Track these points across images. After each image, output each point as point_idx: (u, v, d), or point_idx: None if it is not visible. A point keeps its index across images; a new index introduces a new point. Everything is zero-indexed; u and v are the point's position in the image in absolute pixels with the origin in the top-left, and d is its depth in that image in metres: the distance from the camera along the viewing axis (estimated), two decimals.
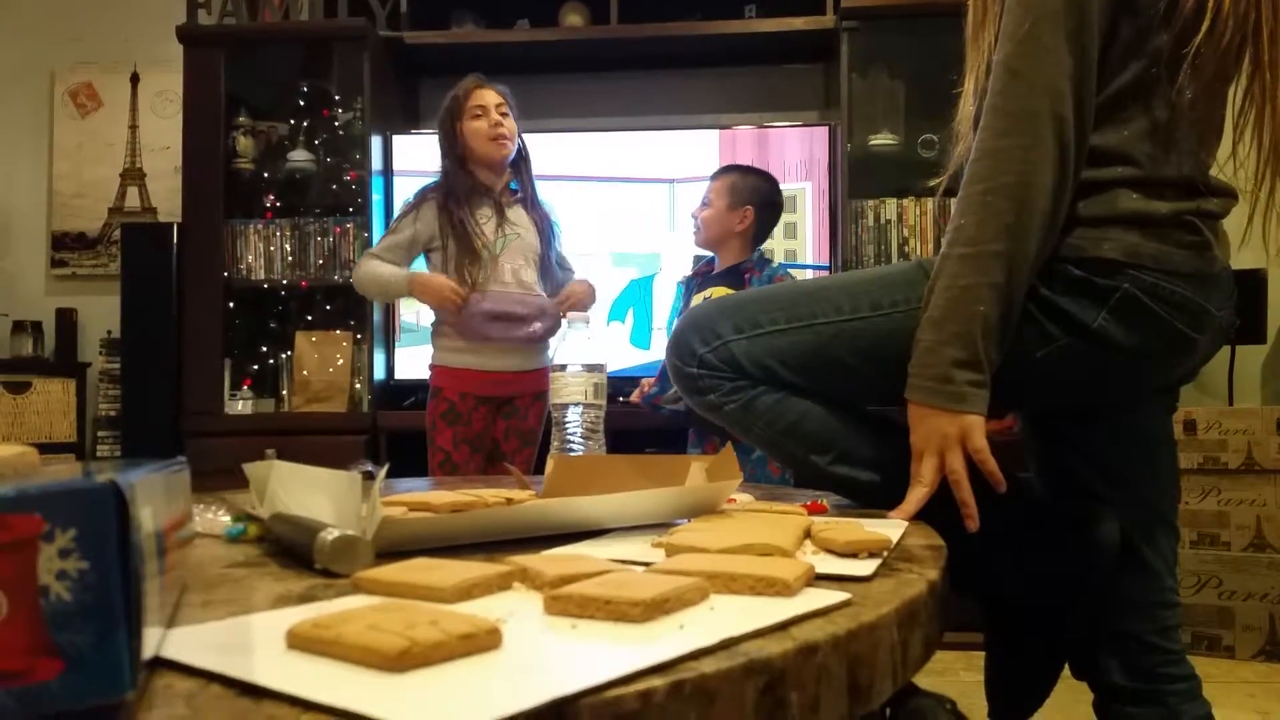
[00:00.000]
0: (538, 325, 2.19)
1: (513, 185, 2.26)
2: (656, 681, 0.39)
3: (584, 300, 2.21)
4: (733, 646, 0.44)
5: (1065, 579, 0.91)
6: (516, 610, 0.48)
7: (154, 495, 0.44)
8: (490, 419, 2.23)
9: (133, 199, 3.49)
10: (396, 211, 2.28)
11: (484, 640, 0.40)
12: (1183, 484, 2.43)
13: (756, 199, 2.29)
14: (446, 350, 2.21)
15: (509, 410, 2.24)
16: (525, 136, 2.29)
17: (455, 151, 2.19)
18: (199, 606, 0.53)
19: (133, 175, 3.50)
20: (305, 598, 0.54)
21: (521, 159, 2.26)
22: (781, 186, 2.41)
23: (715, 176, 2.35)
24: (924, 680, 0.65)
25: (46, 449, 3.02)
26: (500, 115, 2.18)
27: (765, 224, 2.35)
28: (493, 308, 2.14)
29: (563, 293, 2.22)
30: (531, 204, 2.26)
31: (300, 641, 0.41)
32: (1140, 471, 1.02)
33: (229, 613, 0.51)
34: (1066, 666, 1.02)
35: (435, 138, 2.26)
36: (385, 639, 0.38)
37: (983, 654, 1.00)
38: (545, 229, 2.26)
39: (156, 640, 0.42)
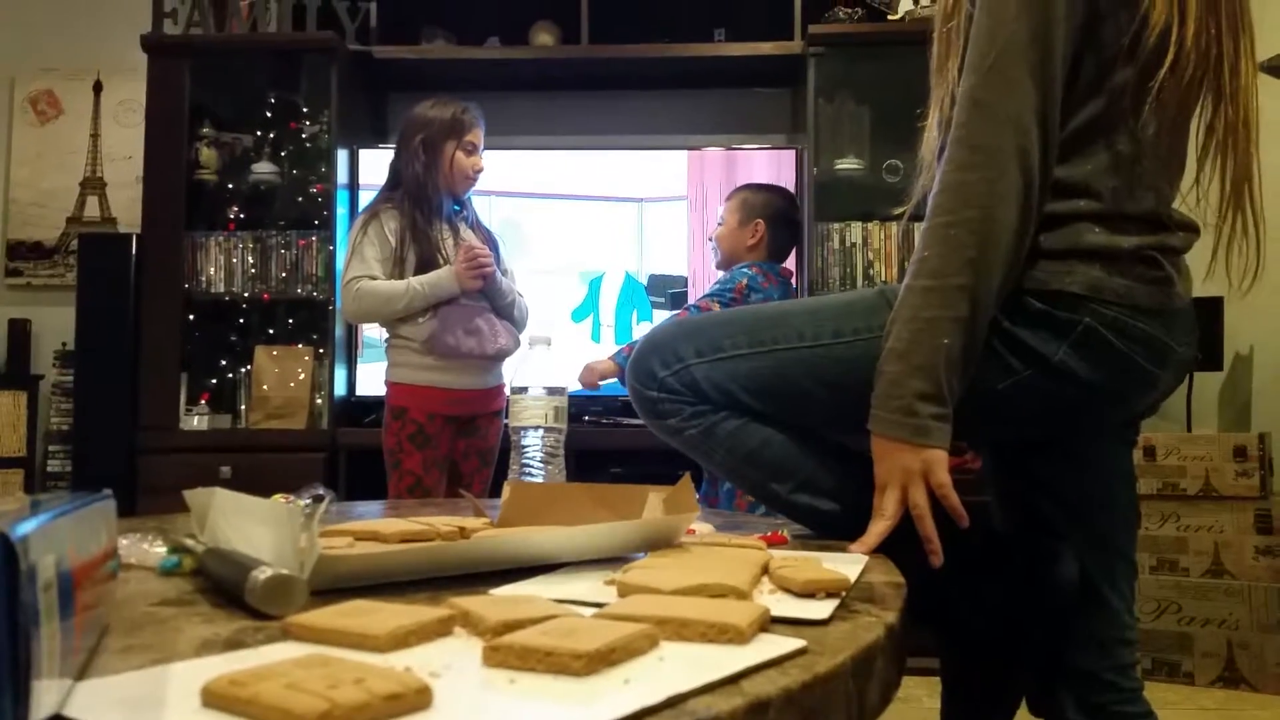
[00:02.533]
0: (504, 339, 2.18)
1: (455, 206, 2.25)
2: None
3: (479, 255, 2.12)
4: (679, 704, 0.41)
5: (1023, 616, 0.90)
6: (454, 661, 0.46)
7: (61, 539, 0.41)
8: (453, 439, 2.19)
9: (92, 208, 3.41)
10: (350, 232, 2.23)
11: (412, 700, 0.38)
12: (1142, 509, 2.45)
13: (767, 212, 2.33)
14: (411, 368, 2.16)
15: (469, 429, 2.21)
16: (494, 153, 2.28)
17: (436, 166, 2.16)
18: (118, 653, 0.50)
19: (93, 184, 3.42)
20: (231, 643, 0.51)
21: None
22: None
23: (729, 197, 2.39)
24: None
25: None
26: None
27: (779, 238, 2.37)
28: (469, 322, 2.12)
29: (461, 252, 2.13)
30: (475, 223, 2.28)
31: (215, 700, 0.38)
32: (1099, 505, 1.01)
33: (148, 660, 0.48)
34: (1023, 702, 1.01)
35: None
36: (303, 700, 0.36)
37: None
38: (493, 245, 2.25)
39: (59, 696, 0.39)
